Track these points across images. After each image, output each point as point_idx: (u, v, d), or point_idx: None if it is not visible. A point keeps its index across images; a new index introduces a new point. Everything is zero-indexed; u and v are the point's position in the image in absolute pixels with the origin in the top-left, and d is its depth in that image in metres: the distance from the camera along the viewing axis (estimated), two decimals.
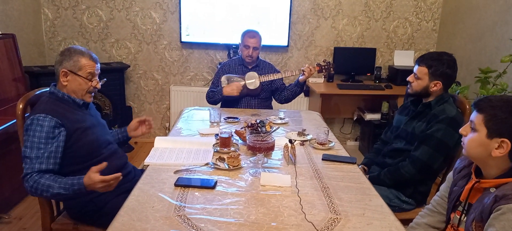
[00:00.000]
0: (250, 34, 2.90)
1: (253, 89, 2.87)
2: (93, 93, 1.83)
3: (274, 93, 3.07)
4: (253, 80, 2.86)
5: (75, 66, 1.72)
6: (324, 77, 2.79)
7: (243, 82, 2.85)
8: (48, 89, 1.78)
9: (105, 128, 1.95)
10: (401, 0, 4.04)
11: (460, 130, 1.34)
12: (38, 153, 1.58)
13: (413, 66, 2.05)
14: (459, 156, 1.84)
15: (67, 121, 1.66)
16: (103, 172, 1.75)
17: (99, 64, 1.82)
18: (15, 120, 1.76)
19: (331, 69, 2.89)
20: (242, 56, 2.95)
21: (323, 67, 2.86)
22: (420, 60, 1.99)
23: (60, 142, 1.63)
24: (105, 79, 1.88)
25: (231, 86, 2.83)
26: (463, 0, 3.69)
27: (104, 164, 1.52)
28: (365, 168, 2.23)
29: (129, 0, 3.89)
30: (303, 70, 2.76)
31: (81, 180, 1.52)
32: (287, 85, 3.00)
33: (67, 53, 1.73)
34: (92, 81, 1.78)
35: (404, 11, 4.08)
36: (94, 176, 1.48)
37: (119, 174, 1.51)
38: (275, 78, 2.88)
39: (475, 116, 1.27)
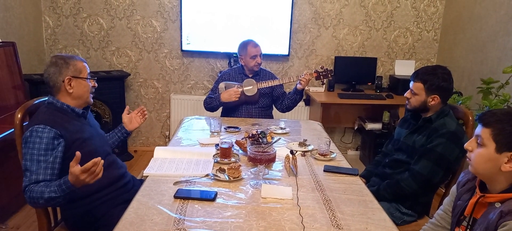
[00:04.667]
0: (253, 43, 2.90)
1: (251, 96, 2.87)
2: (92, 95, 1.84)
3: (276, 102, 3.06)
4: (250, 87, 2.86)
5: (76, 71, 1.73)
6: (322, 84, 2.77)
7: (240, 88, 2.85)
8: (46, 98, 1.77)
9: (104, 138, 1.93)
10: (402, 10, 4.05)
11: (465, 145, 1.32)
12: (38, 165, 1.57)
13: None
14: (461, 169, 1.81)
15: (66, 132, 1.65)
16: (102, 182, 1.73)
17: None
18: (13, 129, 1.74)
19: (329, 76, 2.88)
20: (250, 66, 2.92)
21: (320, 73, 2.85)
22: (414, 76, 1.98)
23: (59, 153, 1.61)
24: (95, 77, 1.89)
25: (228, 92, 2.82)
26: (464, 10, 3.69)
27: (78, 155, 1.42)
28: (364, 180, 2.20)
29: (130, 8, 3.90)
30: (300, 80, 2.75)
31: (66, 178, 1.47)
32: (287, 93, 3.00)
33: (61, 62, 1.72)
34: (92, 80, 1.81)
35: (405, 21, 4.08)
36: (73, 170, 1.41)
37: (99, 158, 1.44)
38: (273, 84, 2.88)
39: (481, 130, 1.24)
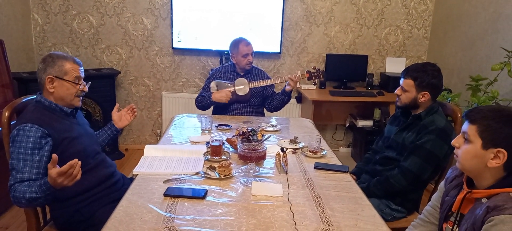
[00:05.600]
0: (244, 42, 2.89)
1: (243, 96, 2.86)
2: (81, 97, 1.79)
3: (265, 101, 3.06)
4: (242, 86, 2.85)
5: (61, 71, 1.69)
6: (314, 84, 2.78)
7: (232, 89, 2.84)
8: (34, 97, 1.75)
9: (93, 137, 1.91)
10: (392, 8, 4.07)
11: (452, 142, 1.33)
12: (24, 164, 1.55)
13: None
14: (450, 166, 1.83)
15: (54, 131, 1.63)
16: (91, 181, 1.72)
17: (82, 68, 1.79)
18: (0, 128, 1.72)
19: (321, 76, 2.89)
20: (242, 65, 2.92)
21: (312, 74, 2.86)
22: (405, 73, 2.00)
23: (46, 152, 1.59)
24: (90, 82, 1.85)
25: (220, 93, 2.81)
26: (454, 8, 3.73)
27: (55, 157, 1.39)
28: (354, 177, 2.21)
29: (121, 6, 3.86)
30: (289, 78, 2.75)
31: (46, 179, 1.45)
32: (276, 93, 3.00)
33: (49, 59, 1.69)
34: (79, 84, 1.75)
35: (396, 19, 4.10)
36: (50, 173, 1.40)
37: (75, 160, 1.41)
38: (264, 84, 2.88)
39: (467, 127, 1.26)
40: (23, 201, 1.50)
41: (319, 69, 2.87)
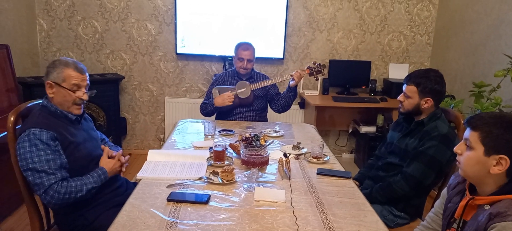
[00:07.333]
0: (243, 46, 2.90)
1: (245, 98, 2.86)
2: (82, 105, 1.76)
3: (270, 102, 3.07)
4: (244, 89, 2.86)
5: (59, 78, 1.68)
6: (316, 79, 2.75)
7: (234, 92, 2.85)
8: (40, 101, 1.76)
9: (97, 141, 1.92)
10: (395, 14, 4.08)
11: (454, 149, 1.33)
12: (50, 164, 1.57)
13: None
14: (453, 172, 1.83)
15: (60, 135, 1.64)
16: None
17: (87, 75, 1.76)
18: (6, 133, 1.73)
19: (322, 71, 2.87)
20: (237, 68, 2.95)
21: (313, 69, 2.85)
22: (408, 79, 2.00)
23: (61, 151, 1.64)
24: (95, 90, 1.82)
25: (222, 97, 2.82)
26: (456, 14, 3.73)
27: (106, 150, 1.83)
28: (357, 183, 2.21)
29: (125, 11, 3.90)
30: (292, 76, 2.77)
31: (103, 168, 1.75)
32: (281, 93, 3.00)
33: (52, 64, 1.70)
34: (76, 92, 1.71)
35: (399, 25, 4.11)
36: (110, 161, 1.81)
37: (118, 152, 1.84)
38: (266, 85, 2.88)
39: (469, 134, 1.26)
40: (80, 194, 1.63)
41: (320, 64, 2.84)
